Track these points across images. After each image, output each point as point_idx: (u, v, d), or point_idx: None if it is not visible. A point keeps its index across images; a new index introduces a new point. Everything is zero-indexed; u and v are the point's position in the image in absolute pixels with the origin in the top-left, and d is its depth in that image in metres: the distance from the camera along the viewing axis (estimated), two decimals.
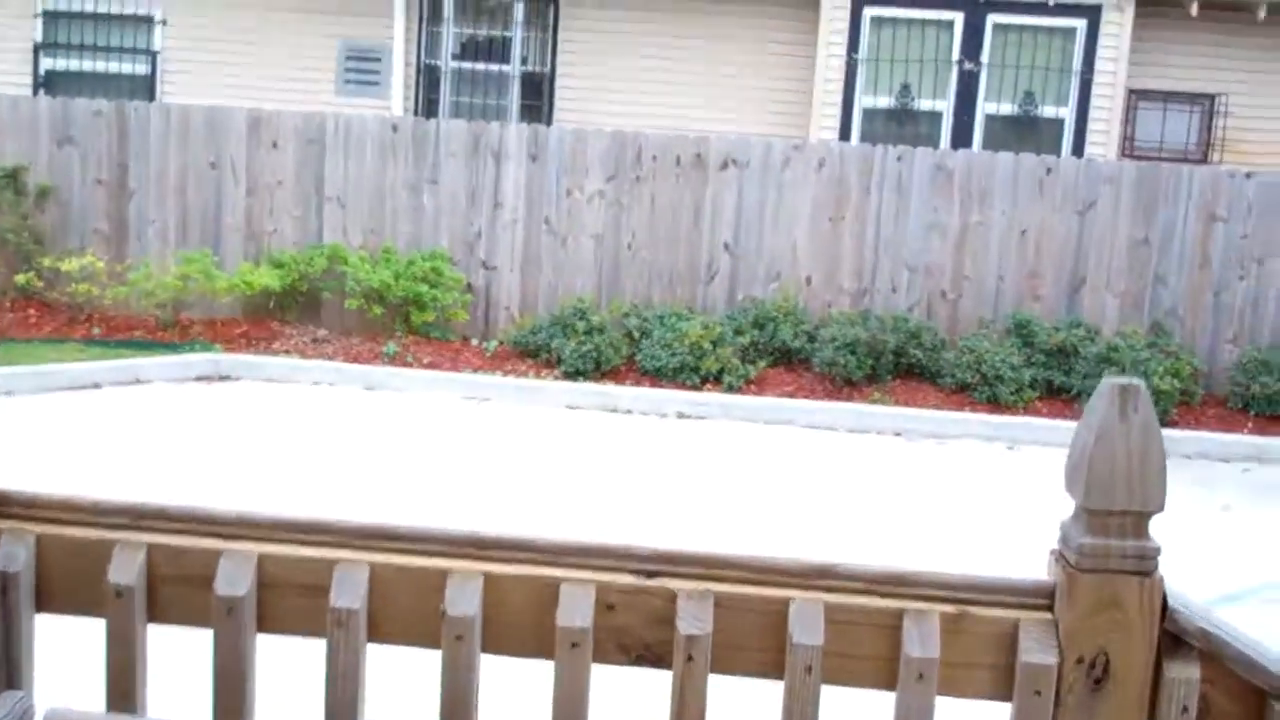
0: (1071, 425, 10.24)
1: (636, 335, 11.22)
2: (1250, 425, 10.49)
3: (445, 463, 8.49)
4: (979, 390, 10.59)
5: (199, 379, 10.72)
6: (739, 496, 8.16)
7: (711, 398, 10.57)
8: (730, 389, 10.67)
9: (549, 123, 14.40)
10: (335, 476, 7.90)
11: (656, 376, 10.84)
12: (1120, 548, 1.92)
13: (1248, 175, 11.47)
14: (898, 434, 10.26)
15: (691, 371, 10.73)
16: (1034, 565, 2.16)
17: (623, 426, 10.04)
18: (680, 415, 10.43)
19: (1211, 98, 13.95)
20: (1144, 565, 1.92)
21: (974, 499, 8.60)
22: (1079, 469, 1.92)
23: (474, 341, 11.74)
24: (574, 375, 10.81)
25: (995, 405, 10.51)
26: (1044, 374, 10.79)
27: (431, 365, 10.97)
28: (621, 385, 10.75)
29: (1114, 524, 1.91)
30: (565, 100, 14.83)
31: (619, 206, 11.80)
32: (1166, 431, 10.15)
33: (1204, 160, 13.74)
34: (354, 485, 7.71)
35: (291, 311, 11.90)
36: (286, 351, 11.19)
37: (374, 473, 8.06)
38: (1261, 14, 13.68)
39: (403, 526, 2.07)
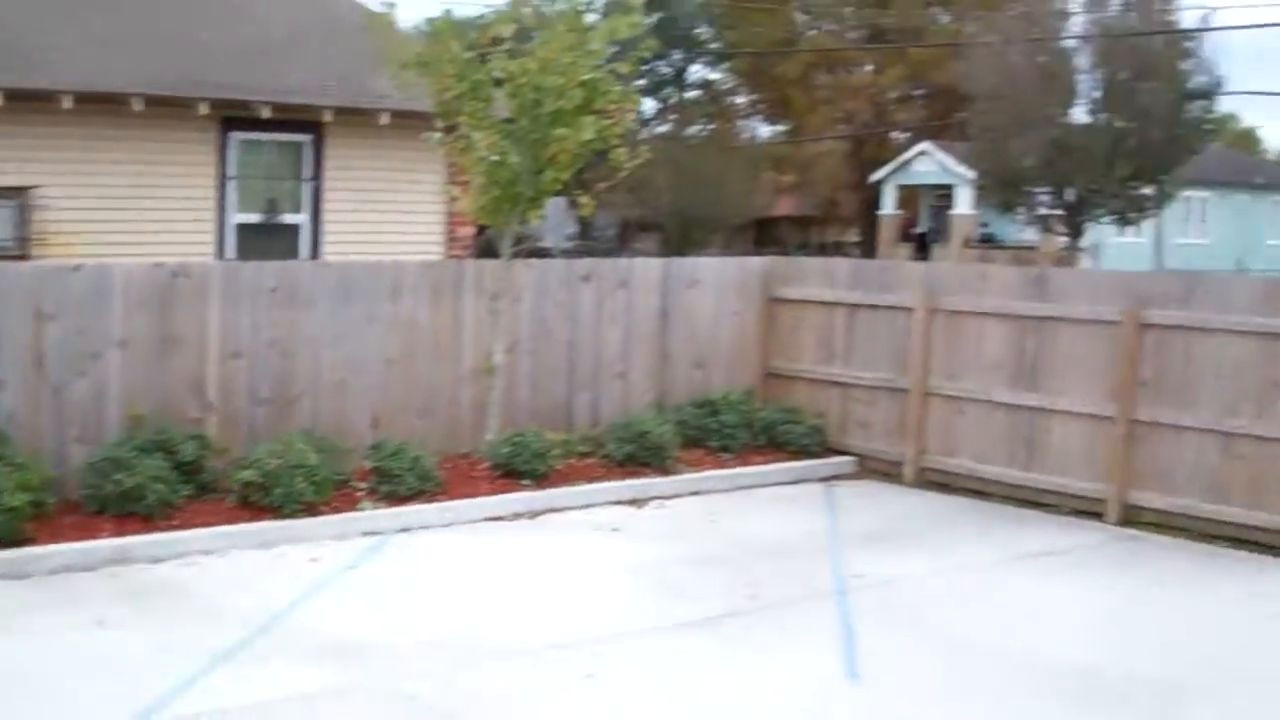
0: None
1: None
2: (110, 527, 10.10)
3: None
4: None
5: None
6: None
7: None
8: None
9: None
10: None
11: None
12: None
13: (75, 268, 11.06)
14: None
15: None
16: None
17: None
18: None
19: (27, 190, 13.49)
20: None
21: None
22: None
23: None
24: None
25: None
26: None
27: None
28: None
29: None
30: None
31: None
32: (24, 551, 9.39)
33: (25, 256, 13.21)
34: None
35: None
36: None
37: None
38: (67, 103, 13.51)
39: None
